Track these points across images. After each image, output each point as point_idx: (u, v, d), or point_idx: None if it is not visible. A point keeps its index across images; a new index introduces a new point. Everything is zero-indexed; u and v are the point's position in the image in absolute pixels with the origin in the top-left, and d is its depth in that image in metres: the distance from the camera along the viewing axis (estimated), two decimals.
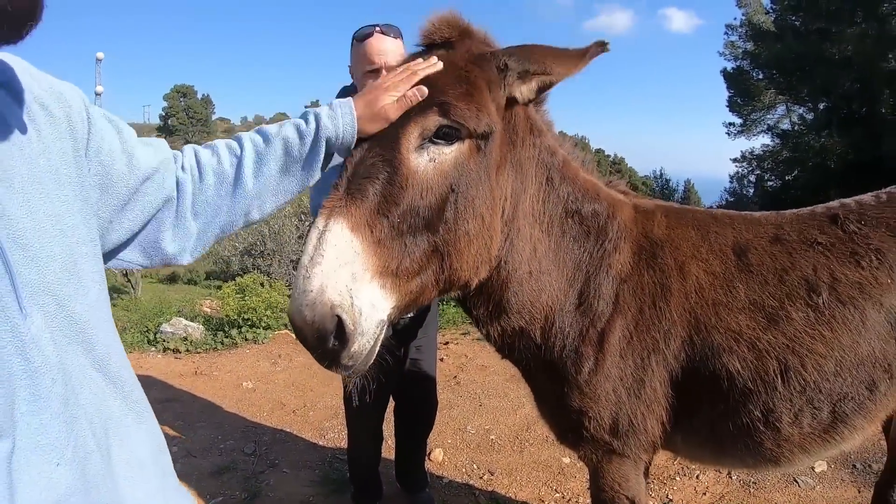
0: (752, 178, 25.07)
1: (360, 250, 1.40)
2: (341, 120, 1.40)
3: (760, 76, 23.11)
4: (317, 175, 1.40)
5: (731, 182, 25.68)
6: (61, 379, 0.83)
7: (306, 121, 1.38)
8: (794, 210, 2.25)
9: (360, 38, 2.60)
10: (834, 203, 2.23)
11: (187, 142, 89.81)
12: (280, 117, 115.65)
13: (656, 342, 1.93)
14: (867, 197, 2.20)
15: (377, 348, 1.48)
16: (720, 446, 2.08)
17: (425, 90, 1.51)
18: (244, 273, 11.82)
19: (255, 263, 14.41)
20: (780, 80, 21.67)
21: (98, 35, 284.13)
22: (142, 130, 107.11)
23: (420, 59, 1.59)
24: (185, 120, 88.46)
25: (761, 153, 24.41)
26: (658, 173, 20.79)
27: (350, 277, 1.38)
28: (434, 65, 1.56)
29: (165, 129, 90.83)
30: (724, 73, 24.56)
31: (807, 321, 1.92)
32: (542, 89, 1.72)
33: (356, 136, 1.44)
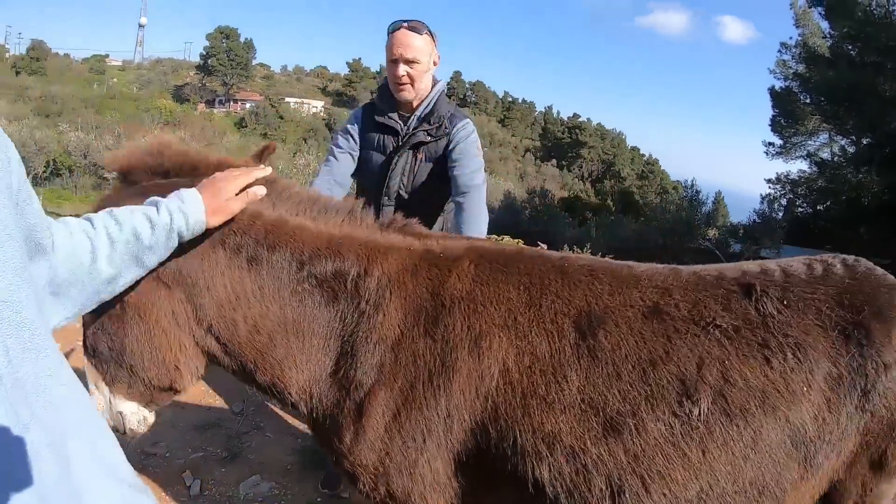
0: (784, 201, 24.67)
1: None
2: (192, 217, 1.42)
3: (808, 100, 22.51)
4: (162, 259, 1.43)
5: (761, 202, 25.38)
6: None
7: (158, 211, 1.38)
8: (699, 268, 1.79)
9: (390, 30, 2.75)
10: (752, 266, 1.76)
11: (225, 83, 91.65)
12: (321, 71, 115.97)
13: (432, 423, 1.58)
14: (798, 265, 1.75)
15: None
16: None
17: (264, 189, 1.57)
18: None
19: None
20: (827, 107, 21.15)
21: None
22: (181, 66, 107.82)
23: (259, 165, 1.67)
24: (225, 62, 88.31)
25: (797, 178, 23.91)
26: (689, 183, 20.50)
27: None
28: (265, 169, 1.63)
29: (204, 69, 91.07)
30: (772, 91, 24.01)
31: (667, 437, 1.49)
32: None
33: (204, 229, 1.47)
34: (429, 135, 2.84)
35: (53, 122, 43.27)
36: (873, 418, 1.56)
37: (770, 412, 1.50)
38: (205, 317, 1.60)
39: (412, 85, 2.77)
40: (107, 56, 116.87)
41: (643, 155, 77.53)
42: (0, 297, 0.82)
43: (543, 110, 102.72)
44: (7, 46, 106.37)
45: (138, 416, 1.69)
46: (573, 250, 7.78)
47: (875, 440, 1.58)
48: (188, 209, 1.40)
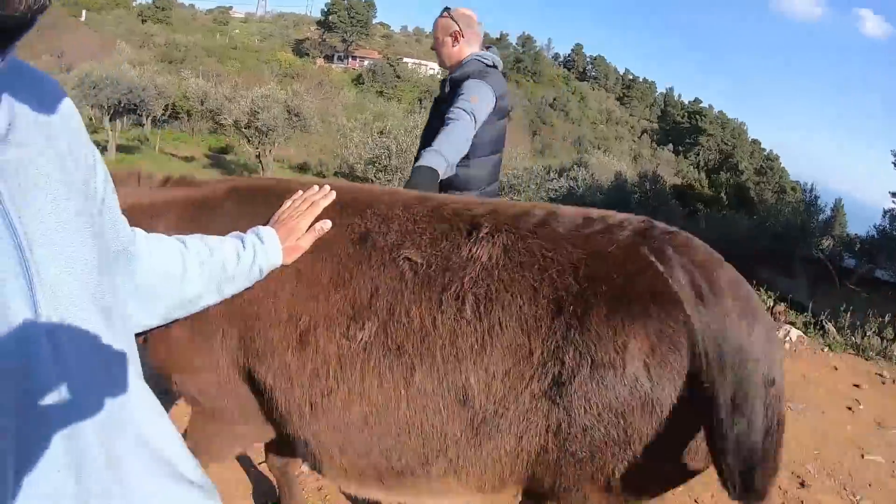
0: None
1: None
2: (272, 258, 1.47)
3: None
4: (238, 290, 1.44)
5: (883, 216, 23.62)
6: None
7: (244, 246, 1.42)
8: (466, 200, 1.74)
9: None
10: (512, 210, 1.63)
11: (344, 40, 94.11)
12: None
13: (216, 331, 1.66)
14: (577, 216, 1.60)
15: None
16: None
17: (329, 222, 1.54)
18: (366, 181, 11.90)
19: (377, 176, 14.58)
20: None
21: None
22: (302, 21, 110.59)
23: (315, 188, 1.61)
24: (345, 19, 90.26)
25: None
26: (809, 186, 19.12)
27: None
28: (328, 195, 1.59)
29: (325, 25, 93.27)
30: None
31: (336, 357, 1.52)
32: None
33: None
34: (442, 92, 3.17)
35: (176, 68, 45.12)
36: (569, 420, 1.41)
37: (427, 358, 1.46)
38: None
39: (438, 55, 3.30)
40: (230, 8, 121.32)
41: (764, 149, 74.30)
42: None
43: (664, 91, 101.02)
44: None
45: None
46: None
47: (579, 447, 1.43)
48: (269, 249, 1.46)
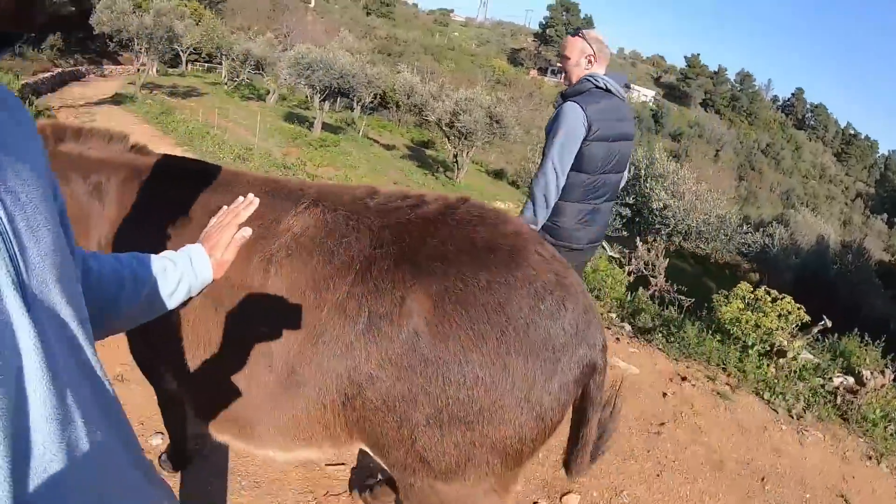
0: None
1: None
2: (201, 273, 1.42)
3: None
4: (168, 309, 1.38)
5: None
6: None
7: (176, 265, 1.38)
8: (298, 181, 2.05)
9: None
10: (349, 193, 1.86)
11: (559, 54, 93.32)
12: (657, 59, 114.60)
13: None
14: (402, 197, 1.81)
15: None
16: None
17: (250, 230, 1.46)
18: None
19: None
20: None
21: None
22: (520, 32, 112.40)
23: (241, 199, 1.51)
24: (562, 33, 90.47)
25: None
26: None
27: None
28: (250, 205, 1.50)
29: (542, 38, 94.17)
30: None
31: None
32: None
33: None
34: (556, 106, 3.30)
35: (393, 61, 47.42)
36: (358, 370, 1.55)
37: (240, 315, 1.70)
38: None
39: (564, 73, 3.36)
40: (451, 11, 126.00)
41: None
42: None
43: (886, 154, 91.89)
44: None
45: None
46: (871, 330, 6.27)
47: (374, 398, 1.55)
48: (198, 267, 1.42)
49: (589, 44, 3.22)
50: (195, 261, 1.43)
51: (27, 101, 13.11)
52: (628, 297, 6.21)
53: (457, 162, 19.88)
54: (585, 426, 1.78)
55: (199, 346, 1.77)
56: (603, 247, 8.03)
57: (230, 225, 1.50)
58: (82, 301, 0.91)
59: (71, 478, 0.75)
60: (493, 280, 1.52)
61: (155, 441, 2.94)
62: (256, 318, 1.67)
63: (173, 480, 2.65)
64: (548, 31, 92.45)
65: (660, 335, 5.18)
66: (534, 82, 67.88)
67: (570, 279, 1.63)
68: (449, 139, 20.04)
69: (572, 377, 1.57)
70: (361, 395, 1.55)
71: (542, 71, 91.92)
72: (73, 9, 30.07)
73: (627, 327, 5.41)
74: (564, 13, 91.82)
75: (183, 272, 1.38)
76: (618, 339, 5.02)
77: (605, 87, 3.12)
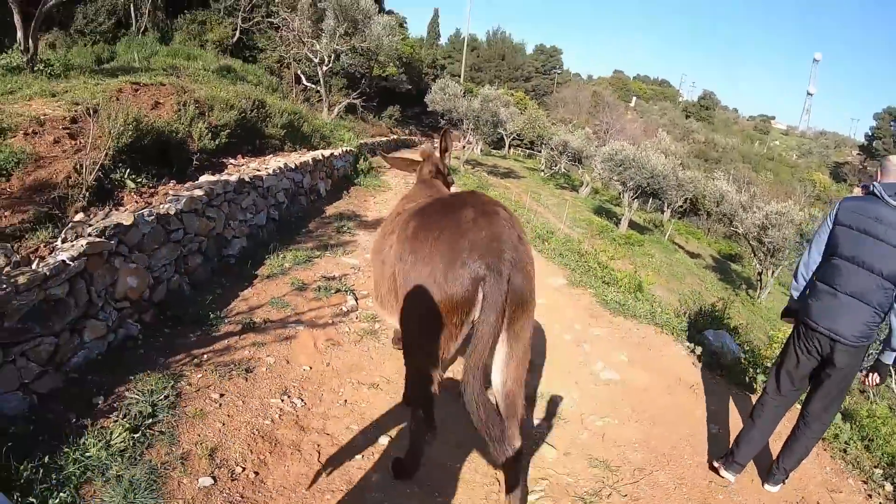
0: None
1: None
2: None
3: None
4: None
5: None
6: None
7: None
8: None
9: None
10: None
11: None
12: None
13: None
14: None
15: None
16: None
17: None
18: None
19: None
20: None
21: (819, 34, 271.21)
22: (844, 143, 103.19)
23: None
24: (890, 146, 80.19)
25: None
26: None
27: None
28: None
29: (868, 151, 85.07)
30: None
31: None
32: None
33: None
34: None
35: (710, 166, 46.66)
36: None
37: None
38: None
39: None
40: (773, 118, 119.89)
41: None
42: None
43: None
44: (681, 92, 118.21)
45: None
46: None
47: None
48: None
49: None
50: None
51: (363, 156, 15.52)
52: None
53: (760, 280, 19.15)
54: (478, 325, 2.67)
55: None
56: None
57: None
58: None
59: None
60: (445, 216, 2.92)
61: (383, 440, 3.98)
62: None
63: None
64: (874, 143, 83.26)
65: None
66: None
67: (494, 222, 2.82)
68: (755, 254, 19.41)
69: (466, 274, 2.69)
70: None
71: (866, 189, 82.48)
72: (410, 87, 35.13)
73: (888, 487, 4.69)
74: (893, 123, 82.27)
75: None
76: (870, 495, 4.51)
77: (872, 191, 3.72)
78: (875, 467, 4.94)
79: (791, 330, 4.00)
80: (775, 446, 4.38)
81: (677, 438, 4.68)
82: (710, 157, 60.25)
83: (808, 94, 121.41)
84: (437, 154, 4.57)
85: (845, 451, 4.99)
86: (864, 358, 3.83)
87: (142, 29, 19.95)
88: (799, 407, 4.16)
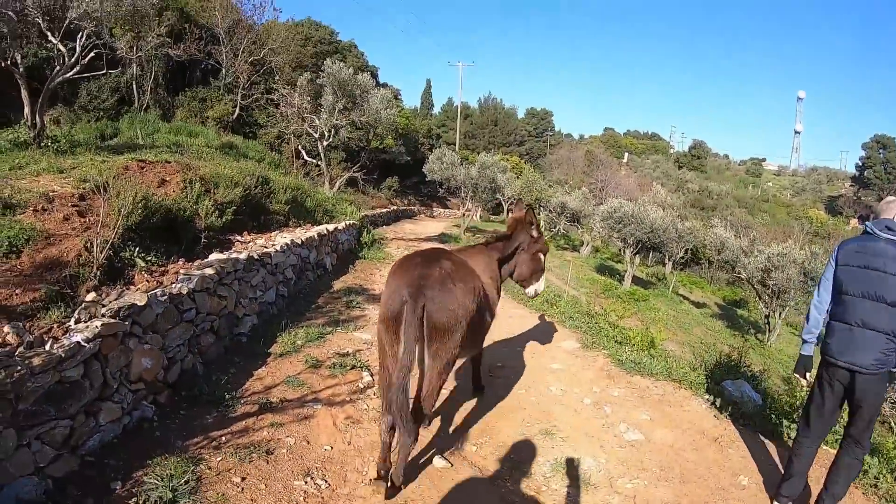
0: None
1: None
2: None
3: None
4: None
5: None
6: None
7: None
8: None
9: None
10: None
11: (880, 198, 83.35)
12: None
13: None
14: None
15: None
16: None
17: None
18: None
19: None
20: None
21: (802, 73, 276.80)
22: (836, 176, 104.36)
23: None
24: (881, 174, 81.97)
25: None
26: None
27: None
28: None
29: (860, 181, 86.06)
30: None
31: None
32: None
33: None
34: None
35: (706, 215, 46.99)
36: None
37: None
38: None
39: None
40: (764, 160, 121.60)
41: None
42: None
43: None
44: (672, 143, 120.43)
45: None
46: None
47: None
48: None
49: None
50: None
51: (366, 229, 15.72)
52: None
53: (768, 323, 18.98)
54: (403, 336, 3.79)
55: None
56: None
57: None
58: None
59: None
60: (409, 261, 4.30)
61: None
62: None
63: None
64: (865, 172, 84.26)
65: None
66: (855, 232, 61.83)
67: (430, 267, 4.10)
68: (760, 298, 19.30)
69: (397, 299, 3.91)
70: None
71: (863, 219, 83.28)
72: (409, 158, 35.72)
73: None
74: (881, 150, 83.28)
75: None
76: None
77: (869, 230, 4.05)
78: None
79: (815, 371, 4.34)
80: (815, 488, 4.48)
81: (708, 494, 4.63)
82: (705, 206, 60.72)
83: (796, 132, 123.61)
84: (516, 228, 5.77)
85: (876, 485, 4.98)
86: (890, 384, 4.24)
87: (144, 106, 20.33)
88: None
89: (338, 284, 10.32)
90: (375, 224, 22.58)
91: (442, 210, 42.52)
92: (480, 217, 38.51)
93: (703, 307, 24.40)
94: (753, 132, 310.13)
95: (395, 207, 31.93)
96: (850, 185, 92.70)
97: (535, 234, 5.70)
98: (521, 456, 4.96)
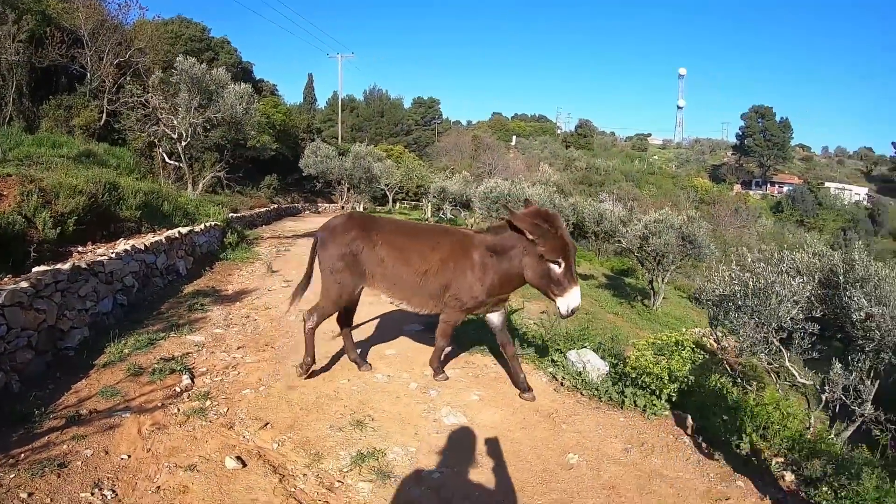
0: None
1: None
2: None
3: None
4: None
5: None
6: None
7: None
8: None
9: None
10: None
11: (761, 165, 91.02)
12: (865, 152, 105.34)
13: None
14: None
15: None
16: None
17: None
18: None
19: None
20: None
21: (682, 50, 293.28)
22: (718, 147, 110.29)
23: None
24: (761, 142, 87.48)
25: None
26: None
27: None
28: None
29: (741, 149, 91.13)
30: None
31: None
32: None
33: None
34: None
35: (595, 190, 48.05)
36: None
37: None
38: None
39: None
40: (649, 135, 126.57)
41: None
42: None
43: None
44: (559, 124, 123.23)
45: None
46: None
47: None
48: None
49: None
50: None
51: (231, 230, 15.21)
52: (807, 435, 5.36)
53: (653, 288, 19.37)
54: None
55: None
56: (790, 373, 7.45)
57: None
58: None
59: None
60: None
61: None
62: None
63: None
64: (745, 141, 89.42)
65: (825, 489, 4.23)
66: (738, 197, 65.28)
67: (334, 219, 5.81)
68: (643, 264, 19.70)
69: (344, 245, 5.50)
70: None
71: (746, 185, 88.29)
72: (288, 154, 35.04)
73: (789, 476, 4.54)
74: (760, 119, 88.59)
75: None
76: (765, 494, 4.23)
77: None
78: (775, 456, 4.82)
79: None
80: None
81: (528, 477, 4.32)
82: (593, 182, 62.30)
83: (679, 107, 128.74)
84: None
85: (738, 446, 4.83)
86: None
87: (6, 119, 18.51)
88: None
89: (189, 288, 9.80)
90: (253, 224, 21.87)
91: (327, 205, 41.56)
92: (365, 208, 37.81)
93: (591, 279, 24.72)
94: (638, 110, 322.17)
95: (277, 206, 30.80)
96: (732, 154, 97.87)
97: (529, 236, 4.94)
98: (323, 450, 4.54)
